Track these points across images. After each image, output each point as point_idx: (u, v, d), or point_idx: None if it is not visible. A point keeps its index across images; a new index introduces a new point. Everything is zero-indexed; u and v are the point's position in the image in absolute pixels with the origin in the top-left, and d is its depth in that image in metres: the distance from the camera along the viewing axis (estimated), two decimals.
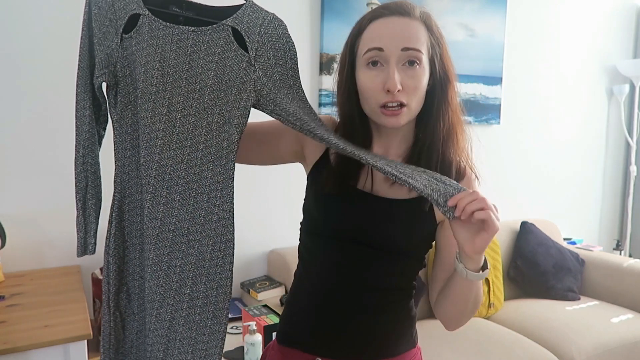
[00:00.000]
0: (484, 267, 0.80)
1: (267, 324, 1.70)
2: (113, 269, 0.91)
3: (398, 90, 0.82)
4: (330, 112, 2.16)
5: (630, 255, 3.44)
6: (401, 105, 0.83)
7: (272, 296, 2.05)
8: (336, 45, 2.25)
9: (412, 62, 0.83)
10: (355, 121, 0.90)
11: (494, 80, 2.78)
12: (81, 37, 0.86)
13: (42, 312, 1.34)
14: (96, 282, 1.67)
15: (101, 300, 1.62)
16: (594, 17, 3.20)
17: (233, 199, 0.89)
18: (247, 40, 0.87)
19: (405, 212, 0.87)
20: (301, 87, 0.91)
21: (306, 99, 0.91)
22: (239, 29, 0.87)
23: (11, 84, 1.71)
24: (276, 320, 1.70)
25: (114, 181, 0.90)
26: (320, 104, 2.32)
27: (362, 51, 0.85)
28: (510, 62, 2.83)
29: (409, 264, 0.92)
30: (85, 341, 1.26)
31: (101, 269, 1.72)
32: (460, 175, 0.90)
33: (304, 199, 0.97)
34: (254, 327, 1.65)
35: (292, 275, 1.03)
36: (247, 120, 0.88)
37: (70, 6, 1.75)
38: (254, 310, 1.82)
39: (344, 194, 0.88)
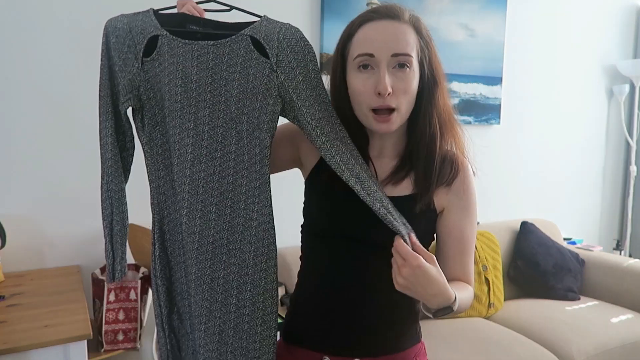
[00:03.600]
0: (447, 307, 0.78)
1: None
2: (162, 290, 0.91)
3: (389, 94, 0.82)
4: None
5: (630, 255, 3.44)
6: (391, 110, 0.84)
7: None
8: None
9: (402, 65, 0.83)
10: (351, 125, 0.90)
11: (494, 80, 2.78)
12: (100, 66, 0.88)
13: (42, 312, 1.34)
14: (96, 282, 1.67)
15: (101, 299, 1.63)
16: (594, 17, 3.20)
17: (271, 202, 0.90)
18: (267, 47, 0.87)
19: (406, 209, 0.87)
20: (324, 87, 0.91)
21: (329, 101, 0.90)
22: (257, 37, 0.88)
23: (11, 84, 1.71)
24: None
25: (151, 203, 0.91)
26: None
27: (353, 56, 0.85)
28: (510, 62, 2.83)
29: None
30: (85, 341, 1.25)
31: (101, 269, 1.72)
32: (456, 170, 0.91)
33: (304, 202, 0.97)
34: None
35: (292, 275, 1.03)
36: (276, 125, 0.88)
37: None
38: None
39: (345, 194, 0.88)
